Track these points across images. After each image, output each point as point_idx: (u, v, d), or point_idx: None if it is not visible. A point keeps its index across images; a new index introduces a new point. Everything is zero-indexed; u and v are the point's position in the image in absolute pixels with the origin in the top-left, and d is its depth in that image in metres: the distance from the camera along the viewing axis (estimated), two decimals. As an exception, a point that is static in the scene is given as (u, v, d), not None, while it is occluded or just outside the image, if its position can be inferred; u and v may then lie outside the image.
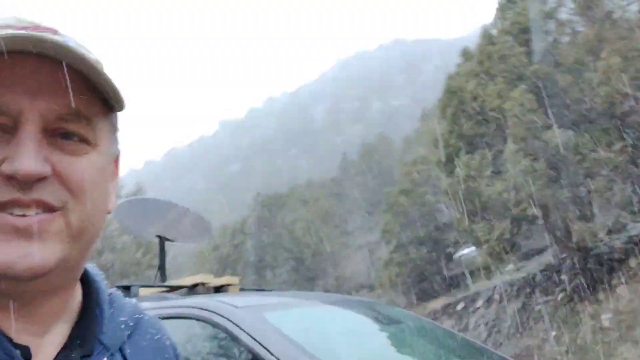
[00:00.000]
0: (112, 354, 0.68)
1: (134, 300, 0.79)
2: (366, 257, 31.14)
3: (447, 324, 17.31)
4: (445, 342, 2.79)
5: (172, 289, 3.10)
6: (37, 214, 0.59)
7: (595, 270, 12.59)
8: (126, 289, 2.97)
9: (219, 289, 3.25)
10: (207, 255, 27.56)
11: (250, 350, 2.12)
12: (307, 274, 29.15)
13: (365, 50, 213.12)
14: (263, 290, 3.56)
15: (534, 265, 15.62)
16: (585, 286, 12.66)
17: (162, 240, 3.50)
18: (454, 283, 19.64)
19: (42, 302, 0.64)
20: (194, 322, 2.34)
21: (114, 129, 0.70)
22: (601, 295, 12.38)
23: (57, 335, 0.66)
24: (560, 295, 13.48)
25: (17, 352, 0.61)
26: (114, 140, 0.70)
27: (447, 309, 18.01)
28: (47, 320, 0.66)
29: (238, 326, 2.20)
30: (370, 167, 50.16)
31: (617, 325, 11.49)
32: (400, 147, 49.92)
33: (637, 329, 10.98)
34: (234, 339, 2.18)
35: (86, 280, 0.73)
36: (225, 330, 2.22)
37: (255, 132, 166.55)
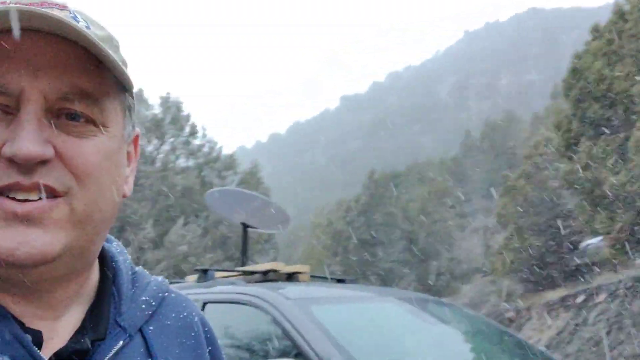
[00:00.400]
0: (130, 336, 0.67)
1: (160, 278, 0.78)
2: (482, 241, 30.27)
3: (564, 316, 16.47)
4: (492, 342, 2.81)
5: (246, 274, 3.40)
6: (40, 198, 0.58)
7: None
8: (204, 272, 3.32)
9: (290, 276, 3.50)
10: (321, 231, 28.36)
11: (291, 340, 2.34)
12: (420, 255, 29.01)
13: (496, 21, 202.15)
14: (334, 279, 3.76)
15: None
16: None
17: (245, 227, 3.80)
18: (574, 274, 18.53)
19: (53, 288, 0.63)
20: (250, 308, 2.61)
21: (127, 109, 0.67)
22: None
23: (72, 318, 0.65)
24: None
25: (28, 336, 0.60)
26: (127, 122, 0.68)
27: (566, 301, 17.06)
28: (60, 304, 0.65)
29: (285, 316, 2.42)
30: (494, 146, 48.11)
31: None
32: (528, 126, 47.29)
33: None
34: (281, 327, 2.41)
35: (105, 261, 0.72)
36: (274, 319, 2.45)
37: (377, 108, 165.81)
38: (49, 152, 0.57)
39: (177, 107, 15.14)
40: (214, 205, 4.08)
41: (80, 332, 0.64)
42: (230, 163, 15.79)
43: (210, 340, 0.77)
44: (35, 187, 0.57)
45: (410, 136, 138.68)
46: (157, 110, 15.12)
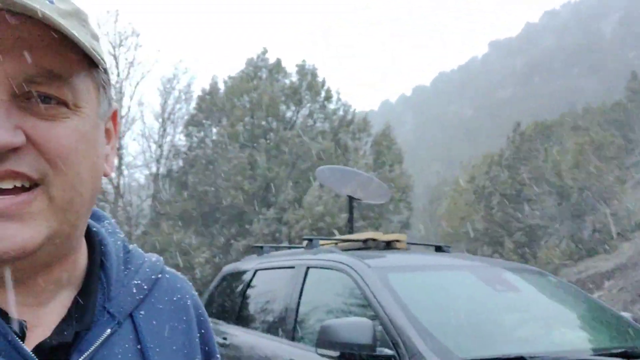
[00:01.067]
0: (118, 323, 0.66)
1: (154, 257, 0.76)
2: (646, 195, 27.75)
3: None
4: (565, 308, 2.97)
5: (347, 241, 3.85)
6: (15, 187, 0.56)
7: None
8: (310, 240, 3.83)
9: (388, 244, 3.90)
10: (463, 187, 27.90)
11: (369, 302, 2.76)
12: (573, 210, 27.40)
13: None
14: (432, 246, 4.07)
15: None
16: None
17: (351, 199, 4.24)
18: None
19: (37, 276, 0.62)
20: (341, 274, 3.06)
21: (101, 86, 0.65)
22: None
23: (58, 305, 0.64)
24: None
25: (9, 327, 0.59)
26: (103, 99, 0.66)
27: None
28: (44, 291, 0.63)
29: (365, 282, 2.85)
30: (666, 88, 42.83)
31: None
32: None
33: None
34: (361, 291, 2.84)
35: (94, 244, 0.70)
36: (356, 284, 2.89)
37: (530, 52, 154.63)
38: (19, 138, 0.56)
39: (313, 73, 15.86)
40: (325, 180, 4.58)
41: (66, 320, 0.63)
42: (364, 125, 16.27)
43: (202, 323, 0.76)
44: (8, 175, 0.56)
45: (568, 81, 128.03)
46: (294, 77, 16.03)
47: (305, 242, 3.93)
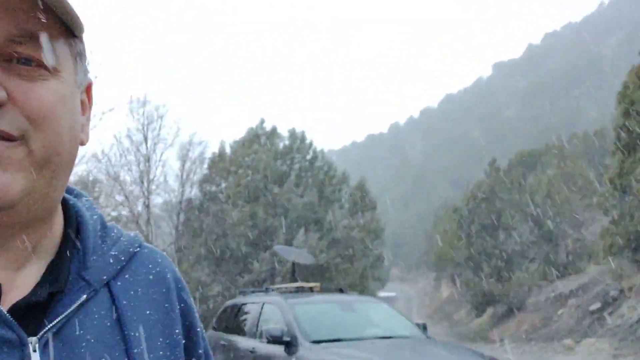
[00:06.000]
0: (95, 290, 0.67)
1: (132, 233, 0.77)
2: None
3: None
4: (382, 322, 6.43)
5: (287, 288, 7.35)
6: None
7: None
8: (266, 289, 7.35)
9: (311, 289, 7.39)
10: (447, 217, 31.21)
11: (284, 319, 6.27)
12: (547, 236, 30.57)
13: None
14: (337, 289, 7.57)
15: None
16: None
17: (294, 263, 7.76)
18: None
19: (14, 235, 0.63)
20: (274, 305, 6.57)
21: (79, 56, 0.68)
22: None
23: (33, 271, 0.65)
24: None
25: None
26: (80, 69, 0.68)
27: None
28: (21, 255, 0.64)
29: (283, 310, 6.36)
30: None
31: None
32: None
33: None
34: (282, 314, 6.35)
35: (70, 215, 0.71)
36: (281, 311, 6.40)
37: (533, 73, 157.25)
38: (1, 95, 0.57)
39: (302, 138, 19.75)
40: (280, 252, 8.16)
41: (40, 284, 0.64)
42: (344, 180, 19.98)
43: (182, 297, 0.77)
44: None
45: (570, 101, 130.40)
46: (287, 141, 19.85)
47: (265, 289, 7.48)
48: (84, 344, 0.63)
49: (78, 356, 0.63)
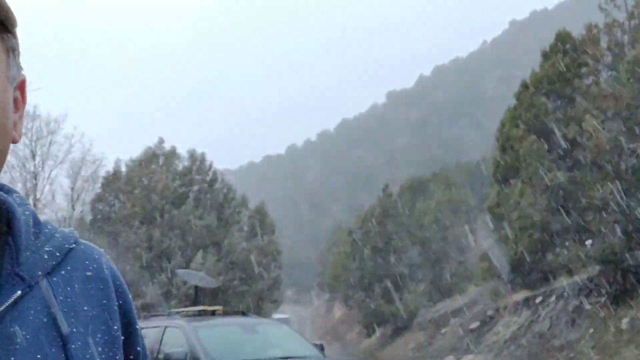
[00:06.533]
0: (29, 286, 0.65)
1: (67, 230, 0.76)
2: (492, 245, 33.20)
3: (526, 314, 19.80)
4: (283, 343, 6.72)
5: (190, 311, 7.43)
6: None
7: (626, 281, 14.54)
8: (170, 313, 7.38)
9: (213, 312, 7.51)
10: (344, 239, 32.27)
11: (188, 341, 6.36)
12: (433, 257, 32.38)
13: (544, 8, 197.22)
14: (238, 312, 7.75)
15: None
16: (620, 293, 14.71)
17: (196, 286, 7.86)
18: (539, 278, 21.62)
19: None
20: (177, 329, 6.64)
21: (11, 51, 0.66)
22: (631, 302, 14.35)
23: None
24: (603, 299, 15.54)
25: None
26: (12, 64, 0.66)
27: (529, 301, 20.37)
28: None
29: (187, 332, 6.45)
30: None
31: (631, 328, 13.57)
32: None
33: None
34: (185, 337, 6.44)
35: (3, 210, 0.70)
36: (184, 333, 6.49)
37: (423, 103, 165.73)
38: None
39: (202, 159, 19.76)
40: (184, 276, 8.23)
41: None
42: (243, 202, 20.23)
43: (121, 293, 0.76)
44: None
45: (455, 132, 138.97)
46: (186, 162, 19.72)
47: (168, 312, 7.50)
48: (19, 340, 0.62)
49: (13, 352, 0.61)
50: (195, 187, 19.07)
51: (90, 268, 0.74)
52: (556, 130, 15.09)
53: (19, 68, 0.68)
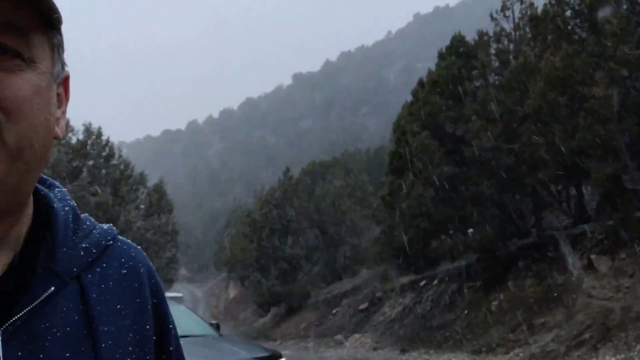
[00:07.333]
0: (64, 282, 0.65)
1: (105, 226, 0.76)
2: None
3: (411, 296, 21.23)
4: (180, 322, 6.95)
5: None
6: None
7: (498, 268, 16.08)
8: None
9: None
10: (242, 221, 32.45)
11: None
12: (329, 241, 33.42)
13: (446, 5, 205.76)
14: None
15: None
16: (491, 279, 16.23)
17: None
18: (425, 264, 23.22)
19: None
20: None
21: (56, 48, 0.66)
22: (500, 287, 15.89)
23: (1, 261, 0.64)
24: (478, 283, 17.06)
25: None
26: (57, 61, 0.67)
27: (414, 284, 21.84)
28: None
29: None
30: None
31: (499, 310, 15.07)
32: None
33: (513, 314, 14.46)
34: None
35: (43, 205, 0.70)
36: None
37: (328, 88, 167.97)
38: None
39: (98, 133, 18.97)
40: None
41: (7, 275, 0.62)
42: (141, 180, 19.75)
43: (156, 292, 0.75)
44: None
45: (357, 118, 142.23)
46: (81, 136, 18.90)
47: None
48: (49, 337, 0.62)
49: (43, 349, 0.61)
50: (90, 162, 18.37)
51: (126, 266, 0.73)
52: (447, 128, 16.24)
53: (64, 64, 0.69)
